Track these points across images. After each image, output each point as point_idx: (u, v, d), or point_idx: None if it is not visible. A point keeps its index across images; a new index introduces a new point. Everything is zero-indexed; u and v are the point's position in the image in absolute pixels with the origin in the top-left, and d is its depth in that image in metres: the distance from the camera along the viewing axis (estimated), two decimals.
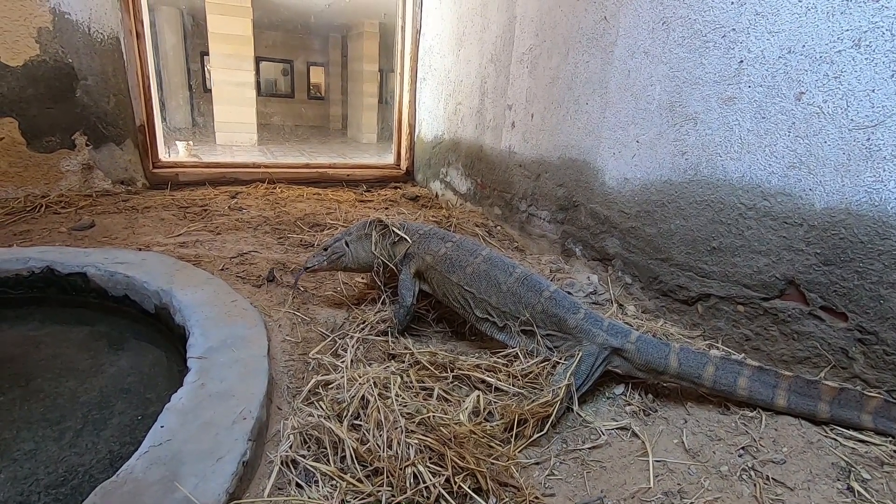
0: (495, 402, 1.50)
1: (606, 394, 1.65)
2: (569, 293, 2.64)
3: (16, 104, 3.30)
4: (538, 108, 3.10)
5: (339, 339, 1.84)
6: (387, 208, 4.02)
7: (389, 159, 5.57)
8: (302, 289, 2.23)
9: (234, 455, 1.11)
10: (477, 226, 3.49)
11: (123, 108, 3.82)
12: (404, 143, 5.27)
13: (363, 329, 1.89)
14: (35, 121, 3.39)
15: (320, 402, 1.43)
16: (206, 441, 1.15)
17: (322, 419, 1.29)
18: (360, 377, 1.47)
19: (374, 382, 1.44)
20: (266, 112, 14.79)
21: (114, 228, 2.89)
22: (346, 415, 1.34)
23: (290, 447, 1.24)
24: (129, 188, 3.88)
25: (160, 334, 1.96)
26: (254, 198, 3.91)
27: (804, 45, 1.68)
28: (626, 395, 1.64)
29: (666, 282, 2.26)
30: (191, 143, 8.69)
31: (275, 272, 2.28)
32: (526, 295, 1.72)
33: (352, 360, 1.68)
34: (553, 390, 1.47)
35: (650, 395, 1.64)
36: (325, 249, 2.02)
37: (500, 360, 1.68)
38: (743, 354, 1.92)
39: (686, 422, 1.52)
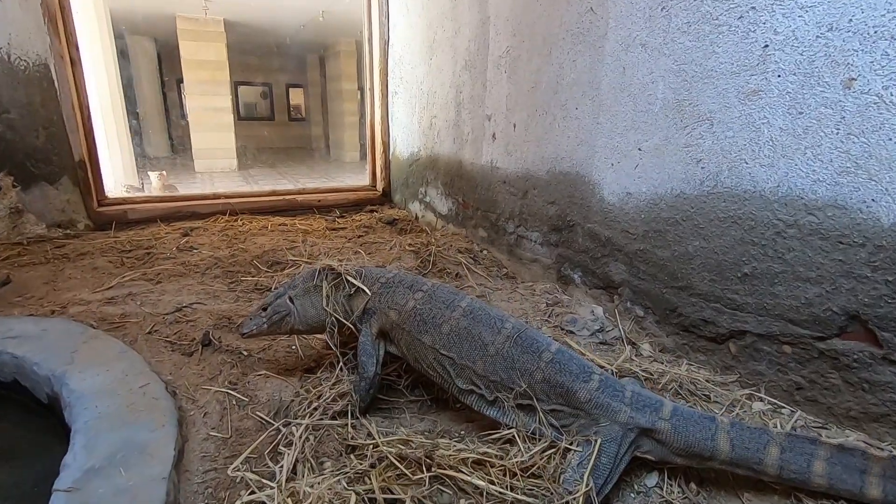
0: None
1: (636, 486, 1.25)
2: (571, 331, 2.24)
3: None
4: (521, 117, 2.73)
5: (284, 426, 1.42)
6: (361, 236, 3.62)
7: (365, 180, 5.18)
8: (245, 353, 1.81)
9: None
10: (460, 252, 3.10)
11: (58, 143, 3.39)
12: (379, 162, 4.89)
13: (315, 410, 1.47)
14: None
15: None
16: None
17: None
18: (295, 502, 1.05)
19: None
20: (246, 136, 14.48)
21: (32, 284, 2.45)
22: None
23: None
24: (69, 231, 3.44)
25: (56, 432, 1.52)
26: (210, 234, 3.49)
27: (850, 20, 1.33)
28: (661, 488, 1.23)
29: (687, 315, 1.87)
30: (164, 172, 8.21)
31: (211, 335, 1.86)
32: (520, 358, 1.32)
33: (295, 462, 1.26)
34: (566, 502, 1.06)
35: (692, 484, 1.24)
36: (265, 309, 1.59)
37: (491, 450, 1.27)
38: (798, 409, 1.53)
39: None
